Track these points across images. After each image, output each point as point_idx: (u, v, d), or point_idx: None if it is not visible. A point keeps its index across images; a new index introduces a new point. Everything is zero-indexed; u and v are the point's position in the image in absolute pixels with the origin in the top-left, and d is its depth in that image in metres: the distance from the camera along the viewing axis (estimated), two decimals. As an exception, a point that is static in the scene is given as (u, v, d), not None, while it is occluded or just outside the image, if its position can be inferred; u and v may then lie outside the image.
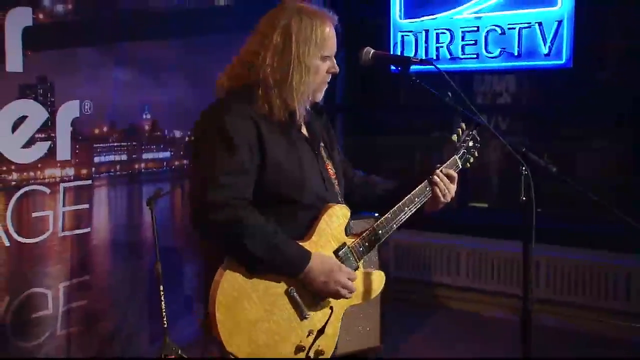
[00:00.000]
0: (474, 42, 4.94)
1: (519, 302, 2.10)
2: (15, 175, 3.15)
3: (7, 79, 3.06)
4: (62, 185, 3.35)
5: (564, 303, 4.66)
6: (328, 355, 2.02)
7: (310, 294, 1.95)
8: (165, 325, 3.27)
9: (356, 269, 2.05)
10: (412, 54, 5.18)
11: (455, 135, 2.31)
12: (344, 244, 2.04)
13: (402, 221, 2.14)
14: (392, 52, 5.15)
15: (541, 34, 4.68)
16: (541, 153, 2.11)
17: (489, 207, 5.79)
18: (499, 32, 4.83)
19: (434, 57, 5.06)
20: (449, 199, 2.21)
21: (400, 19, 5.26)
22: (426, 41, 5.13)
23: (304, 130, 2.06)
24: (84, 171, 3.46)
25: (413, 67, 2.10)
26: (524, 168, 2.01)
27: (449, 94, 2.10)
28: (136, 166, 3.77)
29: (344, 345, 2.38)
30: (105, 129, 3.58)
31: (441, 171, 2.20)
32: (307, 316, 1.94)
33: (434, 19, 5.09)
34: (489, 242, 5.00)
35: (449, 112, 5.20)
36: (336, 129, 5.27)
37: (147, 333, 3.79)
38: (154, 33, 3.79)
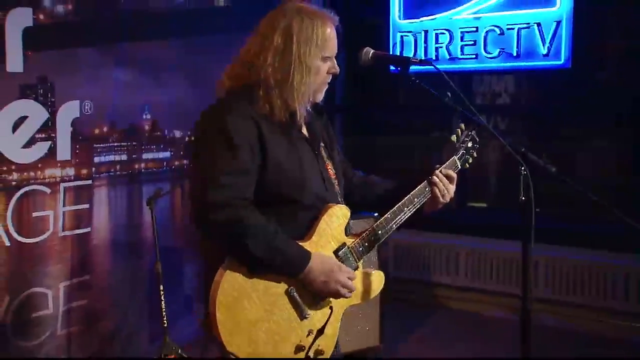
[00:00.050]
0: (473, 42, 4.94)
1: (518, 302, 2.11)
2: (15, 175, 3.15)
3: (7, 79, 3.07)
4: (62, 185, 3.35)
5: (563, 303, 4.66)
6: (327, 355, 2.02)
7: (310, 293, 1.95)
8: (165, 325, 3.28)
9: (356, 268, 2.06)
10: (411, 54, 5.19)
11: (454, 135, 2.32)
12: (344, 244, 2.04)
13: (402, 221, 2.14)
14: (391, 53, 5.16)
15: (540, 34, 4.69)
16: (540, 153, 2.12)
17: (488, 207, 5.80)
18: (498, 32, 4.84)
19: (433, 58, 5.06)
20: (448, 199, 2.21)
21: (400, 19, 5.26)
22: (425, 41, 5.14)
23: (304, 131, 2.06)
24: (84, 171, 3.47)
25: (412, 68, 2.11)
26: (523, 168, 2.02)
27: (449, 94, 2.10)
28: (136, 166, 3.77)
29: (343, 345, 2.39)
30: (105, 129, 3.58)
31: (440, 172, 2.21)
32: (307, 316, 1.95)
33: (433, 19, 5.10)
34: (489, 242, 5.01)
35: (448, 113, 5.22)
36: (335, 129, 5.27)
37: (147, 332, 3.80)
38: (154, 33, 3.79)
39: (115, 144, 3.64)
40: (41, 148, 3.25)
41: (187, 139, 4.02)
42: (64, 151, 3.34)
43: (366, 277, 2.12)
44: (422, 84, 2.09)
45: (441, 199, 2.19)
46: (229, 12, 4.30)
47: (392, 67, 2.28)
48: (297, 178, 1.95)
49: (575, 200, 4.65)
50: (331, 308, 2.02)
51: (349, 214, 2.07)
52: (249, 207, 1.85)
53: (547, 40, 4.66)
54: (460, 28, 4.99)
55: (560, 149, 5.23)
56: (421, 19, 5.15)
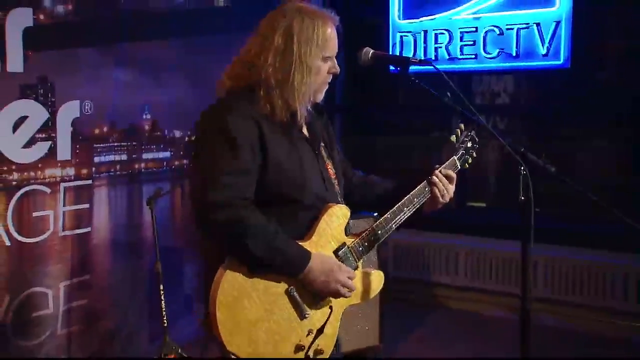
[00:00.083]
0: (472, 42, 4.95)
1: (517, 302, 2.11)
2: (15, 175, 3.16)
3: (7, 79, 3.07)
4: (62, 185, 3.36)
5: (563, 302, 4.66)
6: (327, 354, 2.03)
7: (310, 293, 1.96)
8: (165, 325, 3.28)
9: (355, 268, 2.06)
10: (410, 55, 5.19)
11: (454, 135, 2.32)
12: (344, 244, 2.04)
13: (401, 221, 2.15)
14: (391, 53, 5.16)
15: (539, 34, 4.69)
16: (540, 153, 2.12)
17: (487, 207, 5.79)
18: (498, 32, 4.84)
19: (433, 58, 5.06)
20: (447, 200, 2.22)
21: (399, 19, 5.27)
22: (425, 41, 5.14)
23: (304, 131, 2.07)
24: (84, 171, 3.47)
25: (412, 68, 2.11)
26: (522, 168, 2.02)
27: (448, 94, 2.11)
28: (136, 166, 3.78)
29: (343, 344, 2.39)
30: (105, 129, 3.59)
31: (440, 172, 2.21)
32: (307, 316, 1.95)
33: (432, 19, 5.10)
34: (488, 241, 5.01)
35: (448, 113, 5.23)
36: (335, 129, 5.28)
37: (147, 332, 3.80)
38: (154, 33, 3.80)
39: (115, 144, 3.65)
40: (41, 148, 3.25)
41: (187, 139, 4.02)
42: (64, 151, 3.34)
43: (366, 276, 2.12)
44: (422, 84, 2.09)
45: (441, 199, 2.20)
46: (229, 12, 4.31)
47: (391, 67, 2.28)
48: (298, 178, 1.95)
49: (574, 200, 4.65)
50: (331, 308, 2.03)
51: (349, 213, 2.07)
52: (249, 207, 1.85)
53: (547, 41, 4.66)
54: (459, 28, 5.00)
55: (560, 149, 5.23)
56: (421, 19, 5.15)
